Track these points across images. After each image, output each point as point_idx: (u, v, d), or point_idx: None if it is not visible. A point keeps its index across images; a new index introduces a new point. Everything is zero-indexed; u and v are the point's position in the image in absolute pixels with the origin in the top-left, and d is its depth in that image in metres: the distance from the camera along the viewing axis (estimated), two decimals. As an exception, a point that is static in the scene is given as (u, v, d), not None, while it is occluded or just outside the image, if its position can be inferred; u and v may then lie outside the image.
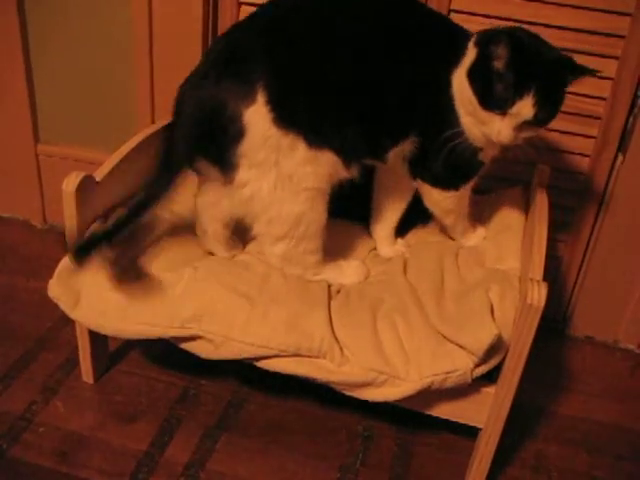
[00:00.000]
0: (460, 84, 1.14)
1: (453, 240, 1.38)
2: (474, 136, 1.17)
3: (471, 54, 1.12)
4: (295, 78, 1.09)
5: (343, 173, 1.18)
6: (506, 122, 1.09)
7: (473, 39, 1.13)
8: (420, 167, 1.24)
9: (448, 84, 1.16)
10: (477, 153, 1.20)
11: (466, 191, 1.29)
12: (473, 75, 1.11)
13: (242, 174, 1.13)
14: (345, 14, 1.13)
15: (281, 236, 1.19)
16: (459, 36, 1.17)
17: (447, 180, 1.24)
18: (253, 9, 1.54)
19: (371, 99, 1.14)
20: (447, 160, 1.18)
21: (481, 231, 1.38)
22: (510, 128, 1.10)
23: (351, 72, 1.12)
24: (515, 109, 1.07)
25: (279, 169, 1.12)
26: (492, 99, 1.08)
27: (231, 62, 1.09)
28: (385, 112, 1.16)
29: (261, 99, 1.07)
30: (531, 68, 1.06)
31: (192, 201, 1.38)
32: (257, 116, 1.08)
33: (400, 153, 1.22)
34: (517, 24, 1.40)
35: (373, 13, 1.14)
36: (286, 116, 1.09)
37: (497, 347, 1.07)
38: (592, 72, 1.09)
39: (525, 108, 1.07)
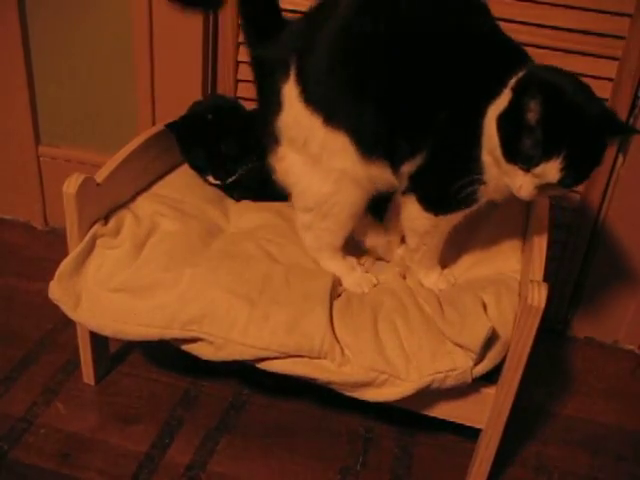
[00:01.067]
0: (491, 123, 1.03)
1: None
2: (490, 174, 1.07)
3: (505, 98, 1.00)
4: (322, 55, 1.09)
5: (363, 169, 1.15)
6: (529, 179, 1.00)
7: (511, 82, 1.01)
8: (418, 182, 1.15)
9: (482, 113, 1.04)
10: (479, 187, 1.09)
11: (444, 224, 1.19)
12: (503, 122, 1.00)
13: (282, 149, 1.20)
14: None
15: (309, 208, 1.23)
16: (513, 63, 1.04)
17: (434, 200, 1.15)
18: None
19: (397, 89, 1.07)
20: (446, 183, 1.11)
21: (444, 278, 1.27)
22: (532, 186, 1.00)
23: (386, 56, 1.06)
24: (540, 169, 0.97)
25: (307, 148, 1.16)
26: (518, 153, 0.98)
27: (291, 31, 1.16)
28: (408, 109, 1.08)
29: (292, 75, 1.12)
30: (565, 129, 0.95)
31: (196, 200, 1.39)
32: (290, 92, 1.13)
33: (412, 169, 1.14)
34: (519, 25, 1.42)
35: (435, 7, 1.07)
36: (309, 92, 1.11)
37: (493, 341, 1.07)
38: (635, 131, 1.04)
39: (551, 171, 0.96)
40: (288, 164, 1.21)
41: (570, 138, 0.95)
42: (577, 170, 0.97)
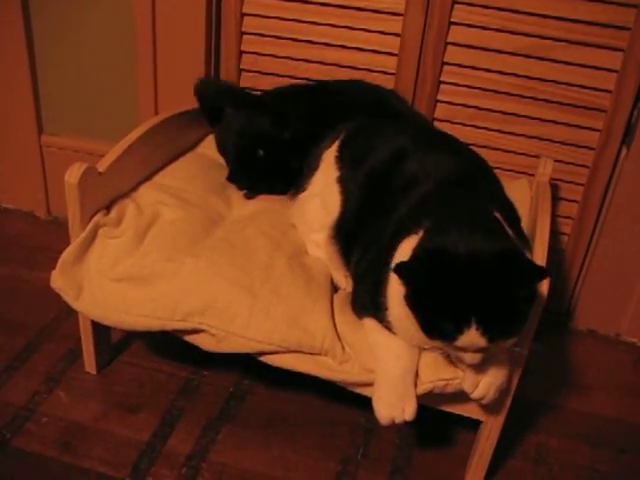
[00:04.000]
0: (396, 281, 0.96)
1: None
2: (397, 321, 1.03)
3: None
4: (353, 142, 1.29)
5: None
6: (462, 352, 0.94)
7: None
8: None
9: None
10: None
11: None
12: (411, 302, 0.94)
13: (303, 195, 1.34)
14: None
15: (304, 228, 1.34)
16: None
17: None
18: (256, 1, 1.57)
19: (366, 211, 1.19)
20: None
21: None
22: (470, 355, 0.94)
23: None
24: (460, 342, 0.90)
25: (323, 197, 1.28)
26: (437, 330, 0.92)
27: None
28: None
29: (335, 146, 1.30)
30: (461, 296, 0.88)
31: (198, 189, 1.40)
32: (329, 155, 1.30)
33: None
34: (524, 16, 1.41)
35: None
36: (342, 155, 1.28)
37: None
38: (542, 275, 0.90)
39: (474, 340, 0.89)
40: (303, 203, 1.34)
41: (472, 304, 0.88)
42: (501, 327, 0.89)
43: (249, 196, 1.46)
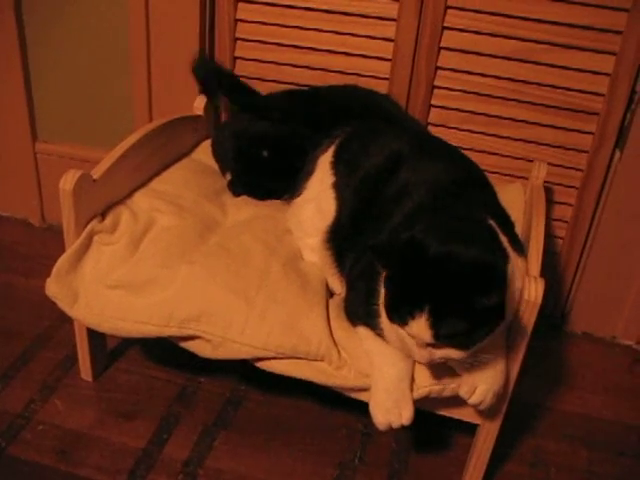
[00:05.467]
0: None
1: None
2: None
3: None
4: (348, 148, 1.30)
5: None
6: (412, 340, 0.95)
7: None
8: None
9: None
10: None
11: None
12: (385, 280, 0.98)
13: (298, 200, 1.35)
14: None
15: (299, 233, 1.33)
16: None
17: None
18: (250, 7, 1.57)
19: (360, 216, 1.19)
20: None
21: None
22: (417, 347, 0.95)
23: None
24: (408, 328, 0.93)
25: (318, 202, 1.29)
26: (394, 310, 0.95)
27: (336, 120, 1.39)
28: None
29: (330, 151, 1.31)
30: (423, 284, 0.91)
31: (193, 195, 1.40)
32: (325, 160, 1.31)
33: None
34: (518, 21, 1.41)
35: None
36: (337, 160, 1.29)
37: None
38: (502, 284, 0.91)
39: (421, 330, 0.91)
40: (298, 208, 1.34)
41: (430, 294, 0.90)
42: (454, 326, 0.90)
43: (244, 202, 1.46)
